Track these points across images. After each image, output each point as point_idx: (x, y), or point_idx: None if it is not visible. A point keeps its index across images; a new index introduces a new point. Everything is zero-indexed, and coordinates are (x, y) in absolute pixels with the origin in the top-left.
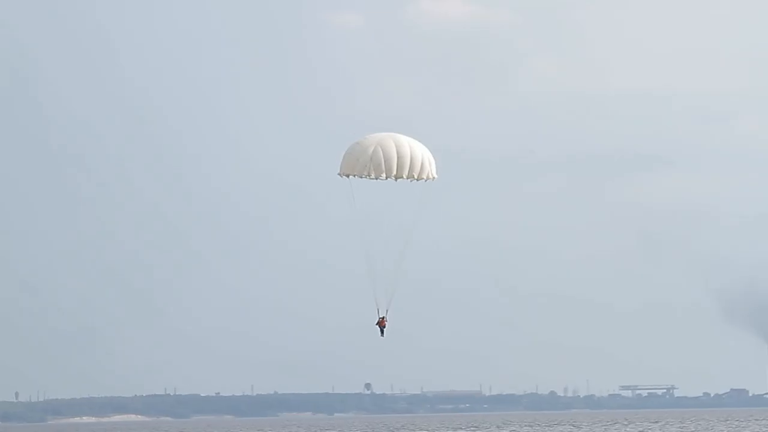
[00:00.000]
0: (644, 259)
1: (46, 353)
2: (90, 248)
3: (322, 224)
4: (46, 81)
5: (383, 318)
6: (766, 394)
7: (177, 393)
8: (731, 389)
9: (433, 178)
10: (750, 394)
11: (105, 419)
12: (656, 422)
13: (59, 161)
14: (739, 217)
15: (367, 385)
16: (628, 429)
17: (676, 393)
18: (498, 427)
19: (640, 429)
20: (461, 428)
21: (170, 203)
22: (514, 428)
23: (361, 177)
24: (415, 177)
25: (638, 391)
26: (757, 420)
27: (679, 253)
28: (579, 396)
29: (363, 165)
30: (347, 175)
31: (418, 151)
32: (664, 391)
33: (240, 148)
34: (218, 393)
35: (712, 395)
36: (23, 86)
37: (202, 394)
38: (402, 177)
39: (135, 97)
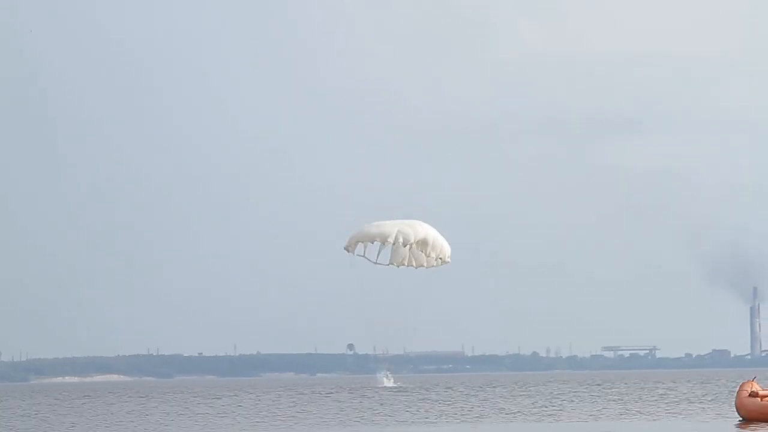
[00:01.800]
0: (627, 223)
1: (28, 313)
2: (75, 210)
3: (306, 190)
4: (29, 41)
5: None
6: (747, 355)
7: (159, 353)
8: (713, 350)
9: (448, 261)
10: (732, 355)
11: (87, 379)
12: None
13: (40, 123)
14: (722, 181)
15: (350, 346)
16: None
17: (658, 354)
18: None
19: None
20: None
21: (153, 165)
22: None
23: (383, 243)
24: (434, 257)
25: (620, 352)
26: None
27: (661, 217)
28: (561, 357)
29: (386, 235)
30: (361, 243)
31: (439, 237)
32: (647, 352)
33: (225, 111)
34: (201, 353)
35: (694, 356)
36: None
37: (184, 354)
38: (425, 254)
39: (116, 55)
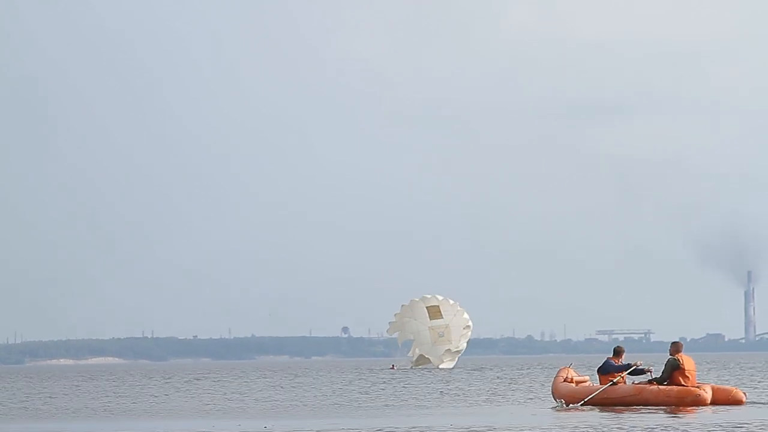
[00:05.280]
0: (620, 208)
1: (23, 296)
2: (69, 193)
3: (297, 173)
4: (23, 24)
5: None
6: (741, 339)
7: (154, 336)
8: (707, 334)
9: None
10: (726, 339)
11: (82, 361)
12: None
13: (32, 107)
14: (715, 165)
15: (345, 329)
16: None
17: (653, 338)
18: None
19: None
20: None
21: (146, 148)
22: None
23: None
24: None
25: (615, 336)
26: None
27: (655, 201)
28: (556, 340)
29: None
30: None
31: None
32: (641, 335)
33: (217, 97)
34: (196, 336)
35: (688, 340)
36: None
37: (179, 337)
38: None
39: (111, 42)
